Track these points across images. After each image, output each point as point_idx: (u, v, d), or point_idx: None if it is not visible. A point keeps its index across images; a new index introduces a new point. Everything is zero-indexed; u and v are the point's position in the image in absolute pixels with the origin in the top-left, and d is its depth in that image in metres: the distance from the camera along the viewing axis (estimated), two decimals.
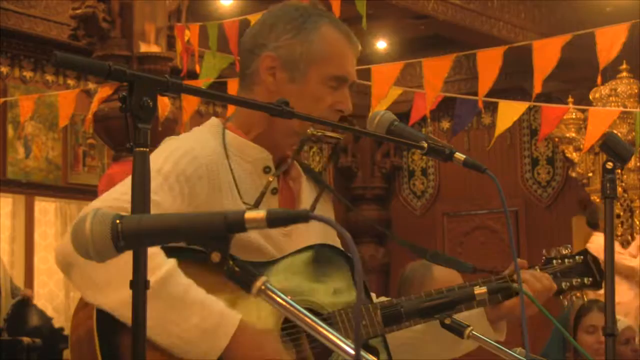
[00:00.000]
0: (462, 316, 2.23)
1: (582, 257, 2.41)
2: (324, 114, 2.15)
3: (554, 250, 2.42)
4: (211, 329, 1.91)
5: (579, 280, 2.39)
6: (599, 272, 2.40)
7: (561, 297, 2.40)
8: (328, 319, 2.12)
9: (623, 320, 4.84)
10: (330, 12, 2.30)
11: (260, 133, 2.20)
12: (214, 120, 2.26)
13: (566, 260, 2.40)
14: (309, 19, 2.21)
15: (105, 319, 1.92)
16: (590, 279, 2.40)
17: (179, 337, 1.91)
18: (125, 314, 1.82)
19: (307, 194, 2.29)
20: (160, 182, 2.02)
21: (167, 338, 1.91)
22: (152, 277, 1.86)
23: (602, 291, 2.31)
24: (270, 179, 2.16)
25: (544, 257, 2.40)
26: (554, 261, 2.40)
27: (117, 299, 1.88)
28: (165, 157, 2.07)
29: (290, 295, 2.06)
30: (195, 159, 2.09)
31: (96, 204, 1.98)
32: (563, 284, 2.37)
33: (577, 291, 2.40)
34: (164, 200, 2.00)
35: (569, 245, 2.44)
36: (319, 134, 2.17)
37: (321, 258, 2.17)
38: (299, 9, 2.23)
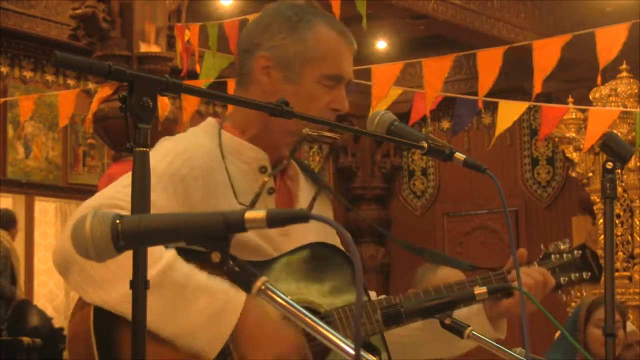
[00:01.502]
0: (461, 314, 2.22)
1: (580, 251, 2.41)
2: (320, 114, 2.14)
3: (553, 245, 2.41)
4: (217, 312, 1.91)
5: (577, 275, 2.39)
6: (597, 267, 2.40)
7: (560, 292, 2.39)
8: (325, 318, 2.11)
9: (628, 325, 4.85)
10: (325, 10, 2.28)
11: (257, 133, 2.19)
12: (210, 121, 2.25)
13: (564, 255, 2.40)
14: (304, 17, 2.19)
15: (102, 318, 1.92)
16: (589, 273, 2.39)
17: (185, 325, 1.90)
18: (127, 310, 1.82)
19: (305, 193, 2.28)
20: (155, 181, 1.98)
21: (173, 328, 1.90)
22: (154, 270, 1.87)
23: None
24: (266, 179, 2.16)
25: (542, 252, 2.41)
26: (552, 256, 2.39)
27: (118, 296, 1.88)
28: (160, 158, 2.06)
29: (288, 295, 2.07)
30: (190, 160, 2.08)
31: (92, 202, 1.98)
32: (561, 279, 2.36)
33: (575, 286, 2.40)
34: (158, 199, 1.98)
35: (567, 240, 2.43)
36: (315, 134, 2.15)
37: (318, 257, 2.16)
38: (294, 7, 2.22)
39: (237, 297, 1.93)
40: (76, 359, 1.98)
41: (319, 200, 2.28)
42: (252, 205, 2.11)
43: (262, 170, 2.18)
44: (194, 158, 2.09)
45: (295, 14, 2.20)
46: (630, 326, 4.89)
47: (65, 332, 8.59)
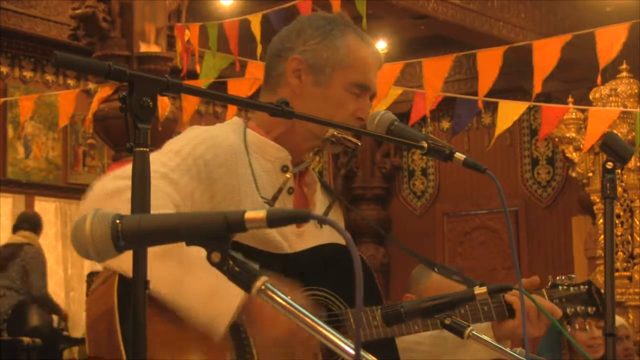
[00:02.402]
0: None
1: (586, 287, 2.47)
2: (345, 120, 2.20)
3: (559, 277, 2.48)
4: (227, 285, 1.91)
5: (583, 308, 2.45)
6: (602, 304, 2.46)
7: (565, 322, 2.45)
8: (340, 316, 2.16)
9: (617, 319, 4.84)
10: (354, 23, 2.37)
11: (281, 133, 2.25)
12: (235, 119, 2.30)
13: (571, 288, 2.46)
14: (336, 27, 2.28)
15: (126, 295, 1.89)
16: (594, 308, 2.46)
17: (194, 296, 1.91)
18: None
19: (320, 200, 2.34)
20: (178, 162, 2.06)
21: (182, 298, 1.91)
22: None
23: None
24: (288, 176, 2.20)
25: (549, 282, 2.45)
26: (560, 287, 2.46)
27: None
28: (186, 141, 2.12)
29: (311, 287, 2.09)
30: (216, 147, 2.13)
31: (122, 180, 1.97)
32: (568, 310, 2.43)
33: (580, 318, 2.45)
34: (180, 179, 2.04)
35: (574, 276, 2.49)
36: (340, 135, 2.22)
37: (331, 257, 2.20)
38: (327, 18, 2.32)
39: None
40: (94, 337, 1.98)
41: (333, 209, 2.35)
42: (274, 200, 2.17)
43: (284, 169, 2.23)
44: (220, 146, 2.13)
45: (329, 23, 2.29)
46: (619, 320, 4.89)
47: (66, 333, 8.60)
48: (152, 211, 1.86)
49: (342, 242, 2.27)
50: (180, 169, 2.05)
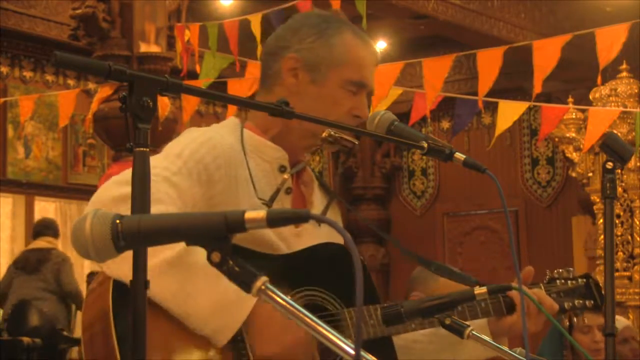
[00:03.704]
0: None
1: (584, 280, 2.46)
2: (342, 118, 2.20)
3: (557, 271, 2.46)
4: (233, 299, 1.92)
5: (580, 301, 2.44)
6: (600, 296, 2.45)
7: (562, 316, 2.45)
8: (336, 316, 2.15)
9: (621, 320, 4.84)
10: (354, 23, 2.38)
11: (277, 134, 2.25)
12: (232, 119, 2.30)
13: (569, 282, 2.45)
14: (332, 25, 2.28)
15: (121, 296, 1.90)
16: (592, 301, 2.45)
17: (199, 307, 1.92)
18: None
19: (318, 199, 2.34)
20: (180, 165, 2.06)
21: (186, 308, 1.92)
22: (171, 252, 1.90)
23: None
24: (286, 177, 2.21)
25: (547, 277, 2.44)
26: (557, 281, 2.45)
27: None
28: (185, 143, 2.12)
29: (307, 287, 2.09)
30: (215, 149, 2.13)
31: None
32: (565, 304, 2.42)
33: (578, 312, 2.45)
34: (182, 182, 2.04)
35: (572, 269, 2.48)
36: (337, 135, 2.22)
37: (330, 256, 2.20)
38: (322, 16, 2.32)
39: None
40: (91, 337, 1.97)
41: (331, 208, 2.35)
42: (271, 201, 2.17)
43: (282, 169, 2.23)
44: (218, 148, 2.13)
45: (324, 21, 2.29)
46: (624, 321, 4.88)
47: (65, 333, 8.60)
48: (156, 211, 1.87)
49: (340, 241, 2.26)
50: (182, 173, 2.06)
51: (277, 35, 2.32)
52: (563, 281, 2.44)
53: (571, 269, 2.48)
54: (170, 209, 1.96)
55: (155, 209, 1.91)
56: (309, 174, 2.34)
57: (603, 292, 2.38)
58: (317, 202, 2.33)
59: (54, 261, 8.53)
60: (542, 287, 2.41)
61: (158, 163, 2.05)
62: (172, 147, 2.13)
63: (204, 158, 2.10)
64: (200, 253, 1.92)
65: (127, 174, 1.99)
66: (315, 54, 2.24)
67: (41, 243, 8.64)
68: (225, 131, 2.23)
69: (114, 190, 1.98)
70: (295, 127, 2.20)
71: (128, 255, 1.86)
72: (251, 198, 2.14)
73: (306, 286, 2.15)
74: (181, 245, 1.89)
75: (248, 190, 2.15)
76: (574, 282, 2.44)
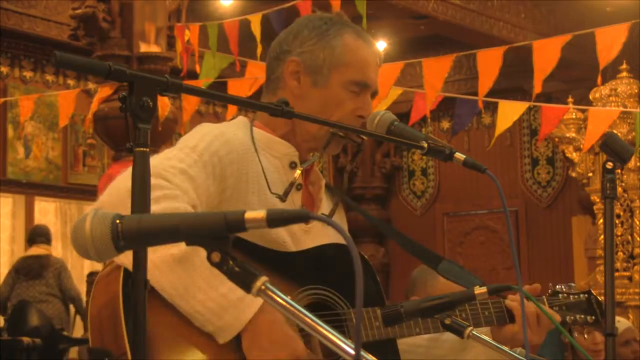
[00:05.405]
0: None
1: (586, 295, 2.50)
2: (346, 119, 2.21)
3: (559, 286, 2.50)
4: (238, 300, 1.93)
5: (582, 316, 2.48)
6: (601, 313, 2.48)
7: (567, 330, 2.48)
8: (341, 316, 2.16)
9: (623, 322, 4.84)
10: (354, 23, 2.37)
11: (285, 133, 2.26)
12: (241, 118, 2.31)
13: (571, 296, 2.48)
14: (333, 26, 2.29)
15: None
16: (593, 317, 2.49)
17: (203, 305, 1.93)
18: (152, 277, 1.82)
19: (325, 200, 2.35)
20: (195, 158, 2.07)
21: (192, 304, 1.93)
22: (175, 249, 1.91)
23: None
24: (300, 170, 2.22)
25: (550, 290, 2.46)
26: (560, 295, 2.48)
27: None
28: (199, 137, 2.13)
29: (315, 286, 2.10)
30: (227, 144, 2.14)
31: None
32: (567, 318, 2.45)
33: (579, 326, 2.47)
34: (198, 175, 2.05)
35: (573, 284, 2.52)
36: (344, 132, 2.23)
37: (336, 256, 2.21)
38: (323, 18, 2.32)
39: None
40: (99, 324, 1.98)
41: (338, 210, 2.35)
42: (285, 195, 2.18)
43: (292, 165, 2.24)
44: (231, 143, 2.15)
45: (325, 23, 2.30)
46: (625, 322, 4.88)
47: (65, 333, 8.60)
48: (170, 209, 1.90)
49: None
50: (198, 165, 2.07)
51: (280, 39, 2.33)
52: (565, 295, 2.48)
53: (572, 284, 2.52)
54: (183, 208, 1.96)
55: (170, 205, 1.92)
56: (317, 173, 2.35)
57: (603, 292, 2.39)
58: (324, 202, 2.34)
59: (54, 266, 8.74)
60: (545, 300, 2.44)
61: (174, 155, 2.06)
62: (187, 140, 2.14)
63: (218, 151, 2.11)
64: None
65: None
66: (316, 57, 2.25)
67: (38, 250, 8.81)
68: (236, 128, 2.24)
69: (128, 182, 2.00)
70: (298, 129, 2.23)
71: None
72: (263, 193, 2.16)
73: (314, 285, 2.16)
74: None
75: (261, 184, 2.16)
76: (575, 297, 2.48)
